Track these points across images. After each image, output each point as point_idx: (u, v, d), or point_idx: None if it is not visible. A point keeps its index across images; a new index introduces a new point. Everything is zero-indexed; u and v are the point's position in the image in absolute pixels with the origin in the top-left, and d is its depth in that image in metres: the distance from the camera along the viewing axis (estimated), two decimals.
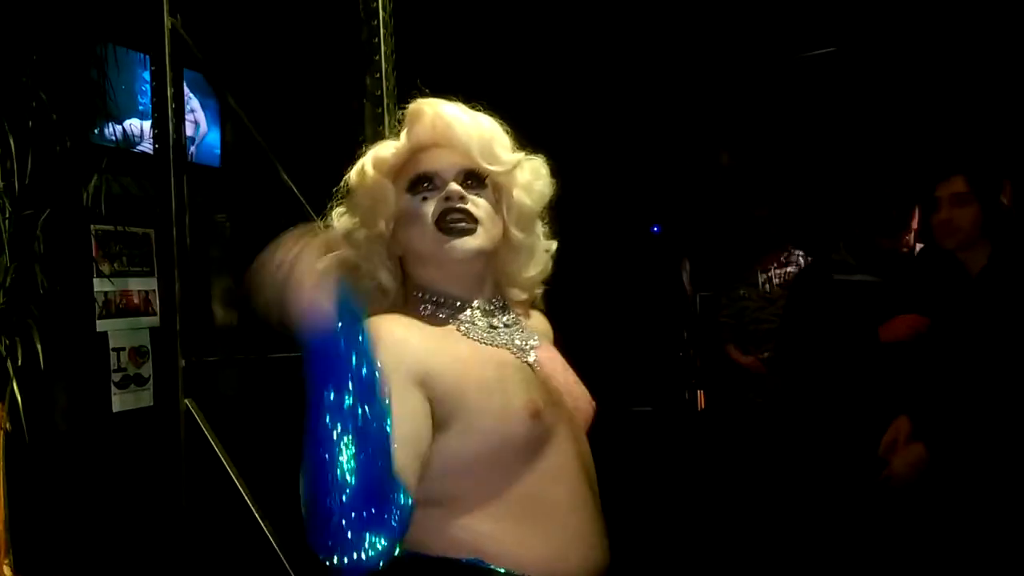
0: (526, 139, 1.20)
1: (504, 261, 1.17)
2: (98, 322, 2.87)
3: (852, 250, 2.58)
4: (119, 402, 2.92)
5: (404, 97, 1.19)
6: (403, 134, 1.17)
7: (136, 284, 3.01)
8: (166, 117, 2.14)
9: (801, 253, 3.50)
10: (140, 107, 2.93)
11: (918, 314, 2.33)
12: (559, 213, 1.23)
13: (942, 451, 2.04)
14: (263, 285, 0.94)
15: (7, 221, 2.05)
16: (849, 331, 2.42)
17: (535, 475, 1.04)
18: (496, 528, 1.02)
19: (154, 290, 2.99)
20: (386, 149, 1.18)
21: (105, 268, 2.86)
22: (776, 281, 3.47)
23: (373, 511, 0.88)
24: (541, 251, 1.21)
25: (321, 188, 1.24)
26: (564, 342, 1.27)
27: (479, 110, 1.17)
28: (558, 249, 1.24)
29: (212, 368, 2.82)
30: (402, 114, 1.18)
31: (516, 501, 1.03)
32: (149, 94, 2.29)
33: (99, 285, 2.86)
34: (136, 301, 3.01)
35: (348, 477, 0.88)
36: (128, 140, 2.71)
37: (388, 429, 0.93)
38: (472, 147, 1.13)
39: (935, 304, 2.26)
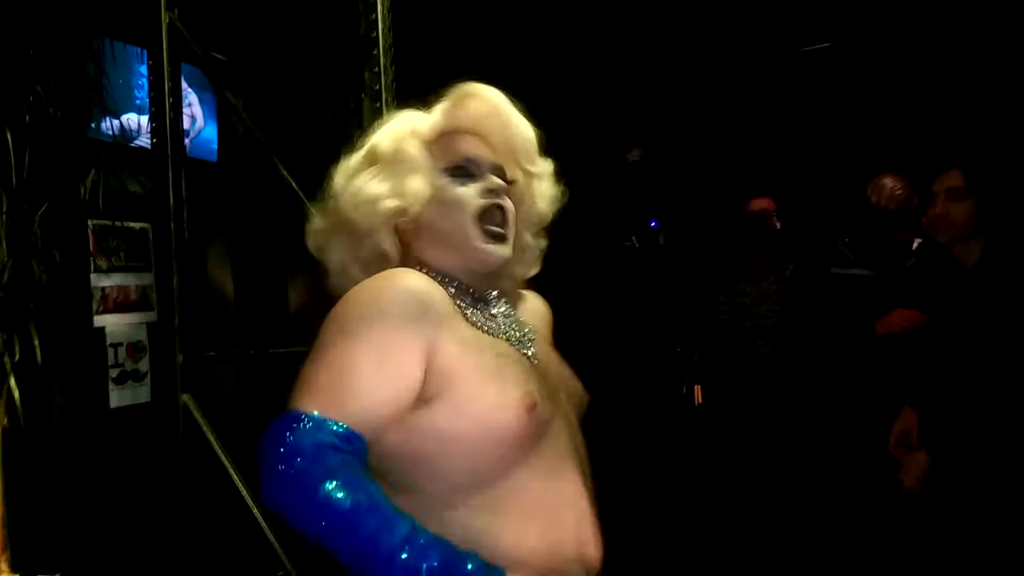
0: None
1: (511, 261, 1.18)
2: (95, 317, 2.86)
3: (850, 244, 2.59)
4: (116, 398, 2.91)
5: (402, 92, 1.20)
6: (442, 111, 1.16)
7: (134, 279, 3.00)
8: (164, 112, 2.13)
9: (798, 248, 3.50)
10: (137, 101, 2.93)
11: (914, 308, 2.35)
12: (558, 208, 1.24)
13: (942, 447, 2.05)
14: None
15: (4, 216, 2.04)
16: (847, 325, 2.43)
17: (532, 469, 1.04)
18: (492, 522, 1.01)
19: (151, 285, 2.98)
20: (420, 122, 1.17)
21: (102, 263, 2.85)
22: (773, 276, 3.48)
23: None
24: (539, 250, 1.24)
25: (319, 183, 1.23)
26: (561, 337, 1.27)
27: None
28: (558, 244, 1.25)
29: (211, 363, 2.82)
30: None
31: (512, 495, 1.02)
32: (146, 88, 2.28)
33: (96, 280, 2.86)
34: (134, 296, 3.01)
35: None
36: (125, 135, 2.70)
37: None
38: (518, 147, 1.15)
39: (930, 298, 2.27)
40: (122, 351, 2.96)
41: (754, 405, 3.41)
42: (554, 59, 3.93)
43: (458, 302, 1.11)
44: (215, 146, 3.37)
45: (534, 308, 1.26)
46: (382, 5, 2.02)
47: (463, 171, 1.13)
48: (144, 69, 2.42)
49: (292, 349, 2.15)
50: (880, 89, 4.13)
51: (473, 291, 1.14)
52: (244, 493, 2.15)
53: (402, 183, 1.12)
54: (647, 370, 4.80)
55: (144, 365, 3.02)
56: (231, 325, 3.37)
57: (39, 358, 2.06)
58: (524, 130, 1.16)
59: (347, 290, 1.07)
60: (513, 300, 1.22)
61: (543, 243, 1.24)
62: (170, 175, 2.16)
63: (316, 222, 1.17)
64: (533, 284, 1.28)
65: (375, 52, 1.96)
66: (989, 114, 3.74)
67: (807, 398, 2.59)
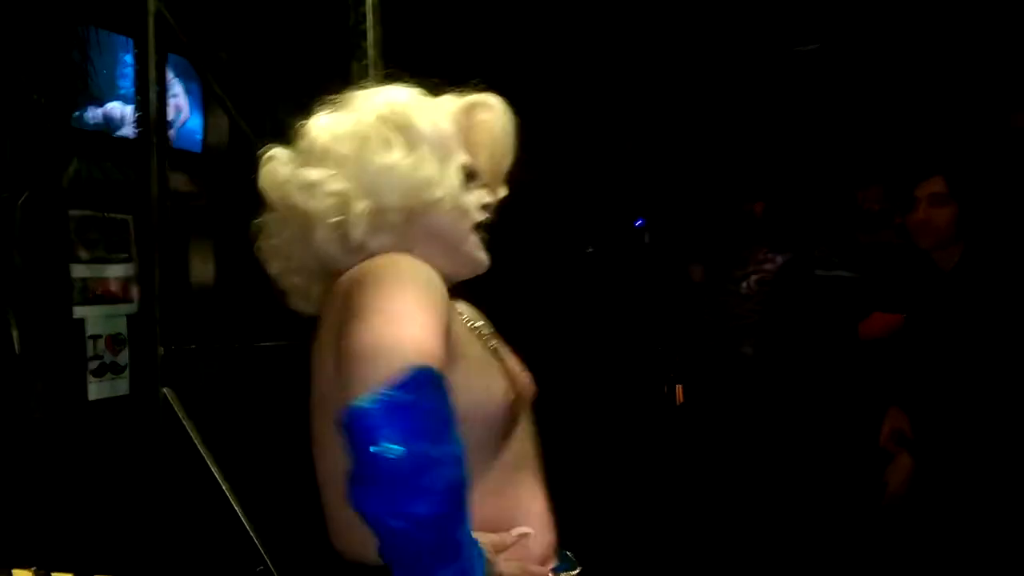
0: (517, 128, 1.20)
1: None
2: (75, 308, 2.83)
3: (833, 246, 2.62)
4: (95, 390, 2.88)
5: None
6: (462, 110, 1.11)
7: (114, 271, 2.97)
8: (148, 101, 2.11)
9: (781, 249, 3.52)
10: (121, 91, 2.89)
11: (895, 310, 2.37)
12: (542, 206, 1.24)
13: (925, 447, 2.08)
14: None
15: None
16: (830, 325, 2.45)
17: (504, 461, 1.05)
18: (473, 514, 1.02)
19: (132, 277, 2.95)
20: (441, 108, 1.11)
21: (83, 254, 2.82)
22: (755, 277, 3.50)
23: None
24: None
25: None
26: (543, 337, 1.27)
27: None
28: (542, 244, 1.26)
29: (191, 356, 2.80)
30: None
31: (489, 488, 1.03)
32: (131, 77, 2.26)
33: (76, 271, 2.82)
34: (114, 288, 2.97)
35: None
36: (109, 124, 2.67)
37: None
38: (502, 172, 1.14)
39: (910, 301, 2.30)
40: (101, 343, 2.93)
41: (736, 405, 3.43)
42: (541, 50, 3.93)
43: None
44: (200, 137, 3.34)
45: (472, 309, 1.27)
46: None
47: (471, 175, 1.11)
48: (129, 57, 2.40)
49: (277, 343, 2.14)
50: (865, 92, 4.17)
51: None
52: (224, 488, 2.13)
53: (445, 170, 1.07)
54: (628, 369, 4.81)
55: (123, 358, 2.99)
56: (214, 318, 3.34)
57: (17, 348, 2.03)
58: (511, 155, 1.15)
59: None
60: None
61: None
62: (154, 165, 2.13)
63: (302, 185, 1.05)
64: (523, 282, 1.28)
65: (364, 44, 1.96)
66: (972, 121, 3.78)
67: (789, 398, 2.61)
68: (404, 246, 1.06)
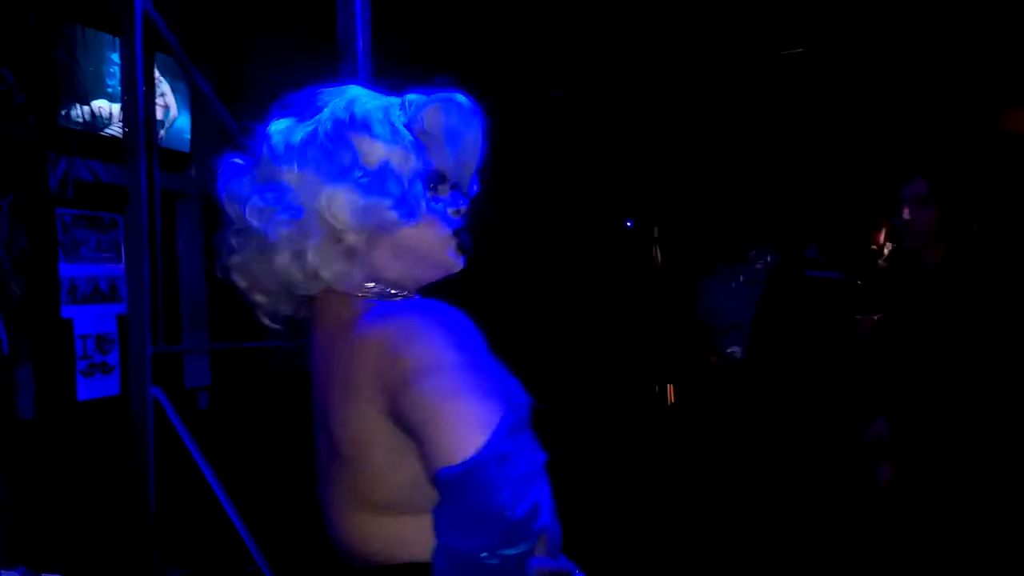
0: (508, 129, 1.20)
1: None
2: (64, 308, 2.82)
3: (823, 247, 2.64)
4: (85, 390, 2.87)
5: (381, 85, 1.18)
6: (425, 113, 1.06)
7: (103, 270, 2.96)
8: (136, 100, 2.10)
9: (771, 251, 3.54)
10: (108, 89, 2.88)
11: (883, 311, 2.40)
12: (534, 207, 1.24)
13: (908, 443, 2.10)
14: None
15: None
16: (821, 326, 2.48)
17: None
18: None
19: (121, 276, 2.94)
20: (407, 117, 1.06)
21: (72, 254, 2.81)
22: (743, 278, 3.51)
23: None
24: None
25: None
26: (537, 339, 1.28)
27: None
28: (535, 245, 1.25)
29: (181, 356, 2.79)
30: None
31: None
32: (118, 76, 2.25)
33: (65, 270, 2.81)
34: (103, 288, 2.97)
35: None
36: (95, 122, 2.65)
37: None
38: (471, 170, 1.10)
39: (896, 301, 2.33)
40: (91, 343, 2.92)
41: (727, 405, 3.45)
42: (532, 52, 3.94)
43: None
44: (188, 136, 3.33)
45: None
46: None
47: (439, 179, 1.07)
48: (115, 56, 2.39)
49: (265, 344, 2.14)
50: (850, 95, 4.19)
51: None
52: (215, 487, 2.13)
53: (408, 182, 1.03)
54: (620, 370, 4.83)
55: (113, 358, 2.98)
56: (204, 318, 3.34)
57: (6, 348, 2.02)
58: (480, 153, 1.10)
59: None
60: None
61: None
62: (142, 164, 2.12)
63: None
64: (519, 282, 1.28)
65: (353, 48, 1.96)
66: (955, 123, 3.82)
67: (780, 399, 2.63)
68: (365, 270, 1.03)
